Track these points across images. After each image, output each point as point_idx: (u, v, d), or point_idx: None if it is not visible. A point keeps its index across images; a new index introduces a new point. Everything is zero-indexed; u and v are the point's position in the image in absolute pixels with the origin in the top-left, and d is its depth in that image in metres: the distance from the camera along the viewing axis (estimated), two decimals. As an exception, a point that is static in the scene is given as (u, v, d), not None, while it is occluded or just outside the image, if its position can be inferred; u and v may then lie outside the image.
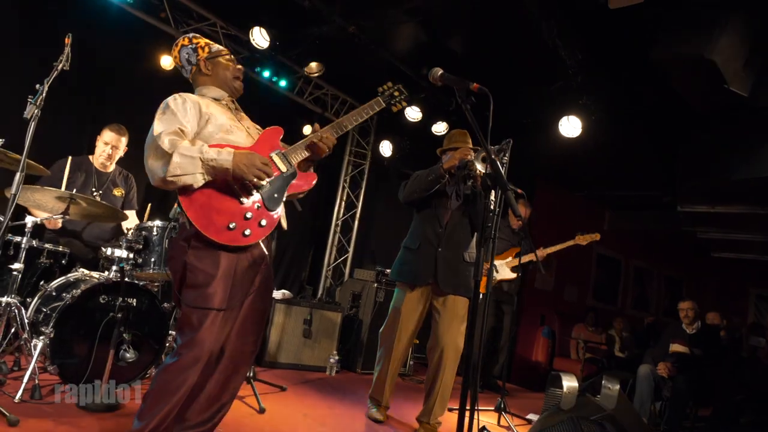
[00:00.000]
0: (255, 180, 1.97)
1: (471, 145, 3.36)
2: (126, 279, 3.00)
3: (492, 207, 2.17)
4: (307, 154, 2.25)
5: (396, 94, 2.46)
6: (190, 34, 2.35)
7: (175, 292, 2.07)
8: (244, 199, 2.02)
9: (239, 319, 2.12)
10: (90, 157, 3.98)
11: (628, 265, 9.78)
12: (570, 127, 4.86)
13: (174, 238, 2.07)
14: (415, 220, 3.51)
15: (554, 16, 3.85)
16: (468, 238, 3.41)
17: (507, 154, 2.58)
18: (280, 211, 2.14)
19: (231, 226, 1.96)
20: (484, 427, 3.40)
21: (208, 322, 1.95)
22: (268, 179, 2.05)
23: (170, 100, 2.07)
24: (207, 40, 2.33)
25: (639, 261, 9.95)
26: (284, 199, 2.14)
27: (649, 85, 4.46)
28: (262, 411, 3.23)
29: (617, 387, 3.19)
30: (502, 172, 2.63)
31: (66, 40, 2.74)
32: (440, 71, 2.07)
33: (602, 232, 8.82)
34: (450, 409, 4.14)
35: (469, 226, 3.40)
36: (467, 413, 1.80)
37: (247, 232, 1.98)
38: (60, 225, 3.65)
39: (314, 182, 2.26)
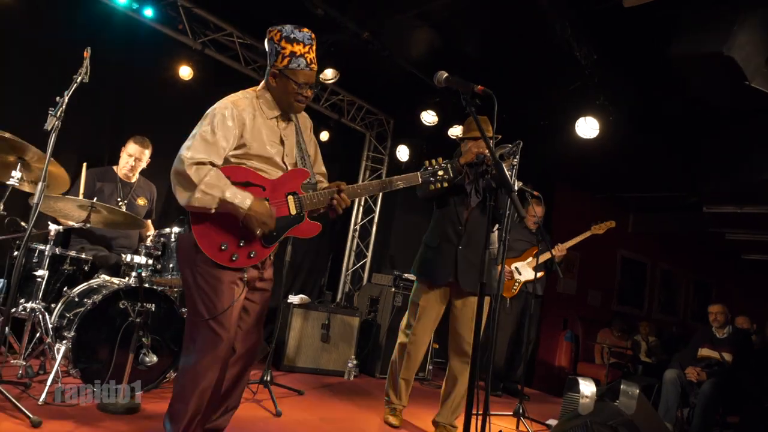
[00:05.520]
0: (258, 233, 2.07)
1: (491, 133, 3.33)
2: (145, 285, 3.08)
3: (501, 210, 2.17)
4: (323, 209, 2.27)
5: (440, 173, 2.30)
6: (286, 30, 2.13)
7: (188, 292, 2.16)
8: (244, 228, 2.09)
9: (247, 320, 2.26)
10: (114, 167, 4.09)
11: (654, 268, 9.57)
12: (587, 128, 4.79)
13: (183, 238, 2.14)
14: (434, 216, 3.49)
15: (567, 17, 3.82)
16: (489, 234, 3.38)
17: (517, 156, 2.57)
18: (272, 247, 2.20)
19: (223, 246, 2.08)
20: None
21: (222, 321, 2.08)
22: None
23: (217, 115, 2.08)
24: (297, 48, 2.12)
25: (665, 264, 9.72)
26: (281, 238, 2.19)
27: (668, 84, 4.37)
28: (278, 414, 3.26)
29: (637, 391, 3.12)
30: (513, 173, 2.64)
31: (85, 53, 2.84)
32: (445, 74, 2.08)
33: (626, 234, 8.77)
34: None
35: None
36: (473, 417, 1.78)
37: (234, 257, 2.09)
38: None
39: (317, 233, 2.26)
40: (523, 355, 4.72)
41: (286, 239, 3.87)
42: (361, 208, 6.74)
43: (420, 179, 2.30)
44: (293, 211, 2.19)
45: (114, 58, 4.44)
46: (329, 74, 5.23)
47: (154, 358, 2.97)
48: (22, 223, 3.19)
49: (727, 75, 3.34)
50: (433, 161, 2.32)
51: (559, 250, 4.96)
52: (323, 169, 2.51)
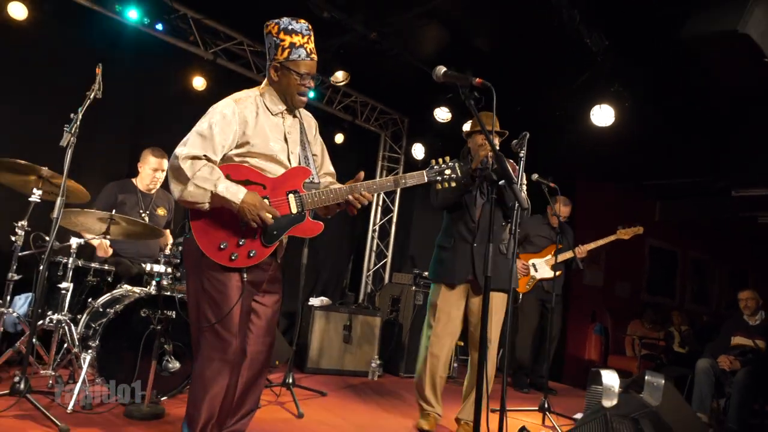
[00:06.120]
0: (252, 223, 2.05)
1: (498, 128, 3.30)
2: (166, 292, 3.14)
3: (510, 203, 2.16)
4: (328, 206, 2.25)
5: (447, 172, 2.23)
6: (283, 22, 2.15)
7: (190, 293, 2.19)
8: (244, 227, 2.09)
9: (258, 323, 2.27)
10: (133, 180, 4.19)
11: (685, 256, 9.32)
12: (603, 116, 4.69)
13: (188, 243, 2.15)
14: (446, 217, 3.48)
15: (576, 4, 3.75)
16: (501, 229, 3.35)
17: (524, 147, 2.54)
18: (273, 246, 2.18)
19: (222, 246, 2.07)
20: (523, 427, 3.32)
21: (229, 325, 2.10)
22: (272, 221, 2.09)
23: (216, 112, 2.11)
24: (296, 39, 2.13)
25: (697, 252, 9.46)
26: (282, 237, 2.18)
27: (685, 67, 4.25)
28: (300, 416, 3.29)
29: (662, 382, 3.05)
30: (521, 165, 2.62)
31: (97, 69, 2.93)
32: (443, 69, 2.07)
33: (653, 223, 8.59)
34: (493, 410, 4.08)
35: (501, 218, 3.34)
36: (493, 414, 1.76)
37: (234, 256, 2.08)
38: (111, 252, 3.84)
39: (318, 232, 2.24)
40: (546, 351, 4.66)
41: (302, 242, 3.93)
42: (379, 208, 6.75)
43: (426, 178, 2.24)
44: (294, 210, 2.17)
45: (129, 72, 4.57)
46: (340, 76, 5.25)
47: (177, 364, 3.02)
48: (47, 238, 3.30)
49: (744, 54, 3.23)
50: (440, 160, 2.26)
51: (580, 252, 4.89)
52: (331, 168, 2.51)
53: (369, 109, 6.44)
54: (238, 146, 2.15)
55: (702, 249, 9.47)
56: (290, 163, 2.25)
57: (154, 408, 2.88)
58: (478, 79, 1.93)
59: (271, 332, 2.35)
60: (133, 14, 4.46)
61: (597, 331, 7.60)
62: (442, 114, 5.84)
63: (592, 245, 4.96)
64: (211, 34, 4.99)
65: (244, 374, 2.24)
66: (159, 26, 4.60)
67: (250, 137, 2.14)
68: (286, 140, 2.25)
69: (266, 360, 2.35)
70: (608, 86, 4.52)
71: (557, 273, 4.54)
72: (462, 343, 5.52)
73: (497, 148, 3.06)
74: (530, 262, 5.16)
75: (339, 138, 6.08)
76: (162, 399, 3.07)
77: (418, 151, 6.32)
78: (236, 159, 2.16)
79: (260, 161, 2.18)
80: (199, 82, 4.92)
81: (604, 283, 7.96)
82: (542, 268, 5.10)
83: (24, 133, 4.04)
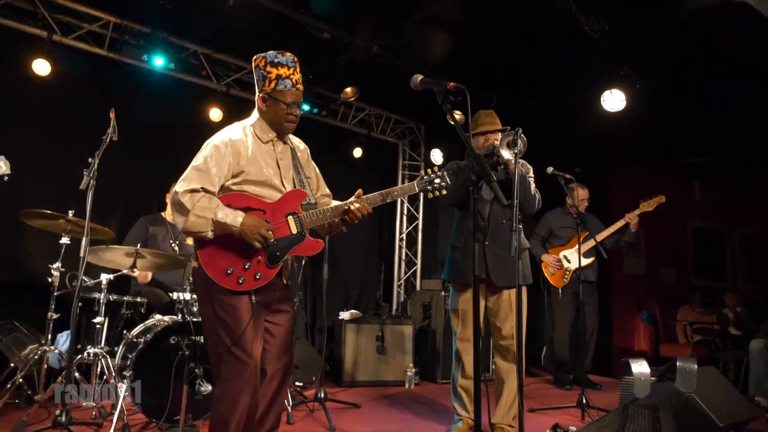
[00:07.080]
0: (255, 244, 2.15)
1: (499, 125, 3.32)
2: (195, 318, 3.27)
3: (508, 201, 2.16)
4: (330, 224, 2.36)
5: (437, 181, 2.36)
6: (269, 56, 2.29)
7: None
8: (248, 251, 2.19)
9: (273, 342, 2.33)
10: (162, 213, 4.39)
11: (733, 235, 8.90)
12: (614, 100, 4.60)
13: (197, 273, 2.25)
14: (456, 216, 3.49)
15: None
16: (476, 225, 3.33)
17: (518, 144, 2.55)
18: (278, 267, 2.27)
19: (229, 271, 2.17)
20: (557, 425, 3.26)
21: (244, 346, 2.17)
22: (273, 239, 2.20)
23: (211, 148, 2.23)
24: (282, 71, 2.27)
25: (745, 229, 9.00)
26: (285, 257, 2.28)
27: (693, 41, 4.11)
28: (332, 429, 3.34)
29: (695, 367, 2.94)
30: (515, 159, 2.62)
31: (111, 114, 3.11)
32: (420, 77, 2.12)
33: (694, 203, 8.24)
34: (531, 410, 4.02)
35: (510, 213, 3.32)
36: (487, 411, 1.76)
37: (241, 280, 2.17)
38: (150, 278, 4.03)
39: (319, 250, 2.34)
40: (585, 344, 4.54)
41: (320, 259, 4.01)
42: (404, 217, 6.78)
43: (416, 188, 2.35)
44: (294, 231, 2.26)
45: (150, 112, 4.82)
46: (349, 92, 5.35)
47: (209, 387, 3.12)
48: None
49: (748, 22, 3.13)
50: (429, 170, 2.38)
51: (632, 218, 4.77)
52: (327, 190, 2.61)
53: (384, 120, 6.51)
54: (234, 176, 2.25)
55: (750, 225, 9.01)
56: (285, 188, 2.35)
57: (189, 431, 3.00)
58: (452, 83, 1.97)
59: (287, 350, 2.41)
60: (147, 57, 4.71)
61: (644, 319, 7.34)
62: (456, 116, 5.84)
63: (619, 223, 4.84)
64: (222, 66, 5.20)
65: (263, 392, 2.31)
66: (171, 65, 4.82)
67: (245, 166, 2.25)
68: (278, 166, 2.35)
69: (285, 378, 2.41)
70: (617, 70, 4.43)
71: (583, 264, 4.44)
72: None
73: (495, 144, 3.11)
74: (561, 254, 5.07)
75: (357, 152, 6.16)
76: (196, 422, 3.18)
77: (437, 156, 6.33)
78: (234, 188, 2.27)
79: (257, 188, 2.28)
80: (215, 114, 5.11)
81: (647, 270, 7.69)
82: (574, 258, 5.00)
83: (54, 179, 4.30)
